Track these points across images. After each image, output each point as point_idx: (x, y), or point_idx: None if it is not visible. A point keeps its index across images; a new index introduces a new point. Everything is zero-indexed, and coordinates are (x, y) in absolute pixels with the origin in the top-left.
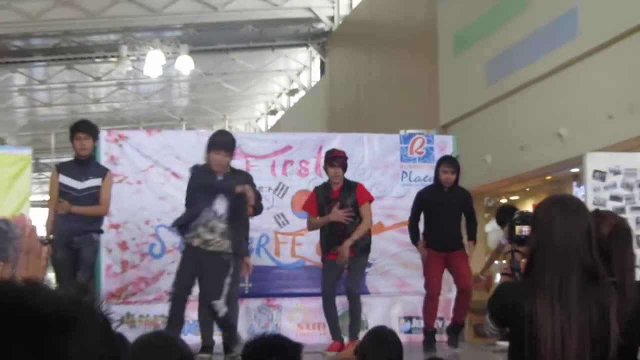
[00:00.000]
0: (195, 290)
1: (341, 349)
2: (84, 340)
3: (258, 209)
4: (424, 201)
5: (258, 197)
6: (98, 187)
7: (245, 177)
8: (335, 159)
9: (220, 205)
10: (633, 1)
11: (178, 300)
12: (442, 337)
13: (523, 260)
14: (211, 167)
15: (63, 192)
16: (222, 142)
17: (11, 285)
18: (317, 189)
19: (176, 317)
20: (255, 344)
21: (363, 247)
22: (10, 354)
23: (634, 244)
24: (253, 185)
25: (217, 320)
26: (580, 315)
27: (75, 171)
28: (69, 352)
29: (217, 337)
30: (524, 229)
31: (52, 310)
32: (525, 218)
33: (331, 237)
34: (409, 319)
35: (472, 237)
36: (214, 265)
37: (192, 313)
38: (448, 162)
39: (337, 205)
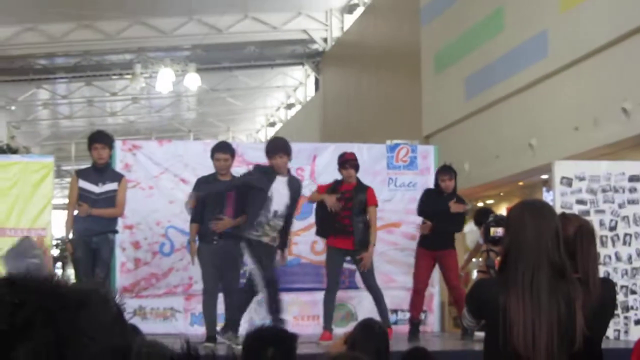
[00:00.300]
0: (197, 285)
1: (330, 339)
2: (97, 318)
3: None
4: (428, 200)
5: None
6: (115, 191)
7: (298, 183)
8: (347, 162)
9: (281, 205)
10: (596, 25)
11: (274, 289)
12: (425, 328)
13: (497, 259)
14: (276, 170)
15: (83, 196)
16: (282, 146)
17: (37, 278)
18: (334, 181)
19: (277, 302)
20: (255, 334)
21: (360, 243)
22: (32, 326)
23: (597, 244)
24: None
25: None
26: (549, 309)
27: (94, 176)
28: (82, 326)
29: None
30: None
31: (71, 292)
32: (499, 221)
33: (327, 224)
34: (394, 311)
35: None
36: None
37: (198, 305)
38: (445, 171)
39: (337, 198)
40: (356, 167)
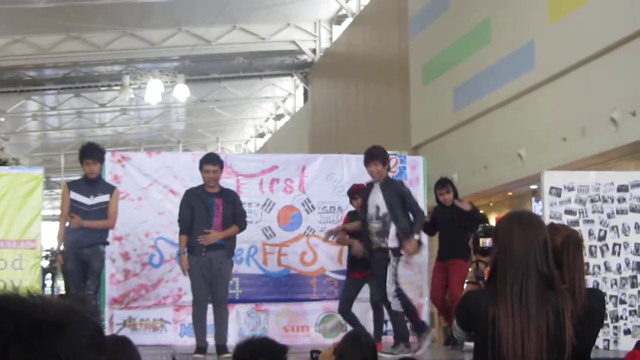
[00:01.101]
0: (187, 296)
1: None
2: (74, 342)
3: (243, 226)
4: (434, 217)
5: (243, 215)
6: (106, 203)
7: (394, 184)
8: (356, 192)
9: (373, 209)
10: (584, 35)
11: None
12: (414, 338)
13: (487, 270)
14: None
15: (75, 208)
16: (377, 153)
17: (14, 294)
18: (349, 213)
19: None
20: (245, 346)
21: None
22: (7, 354)
23: (587, 254)
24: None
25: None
26: (538, 319)
27: (85, 189)
28: (59, 354)
29: (210, 339)
30: (486, 241)
31: (47, 316)
32: (487, 231)
33: (355, 259)
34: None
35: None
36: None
37: (187, 316)
38: (441, 185)
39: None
40: (364, 196)
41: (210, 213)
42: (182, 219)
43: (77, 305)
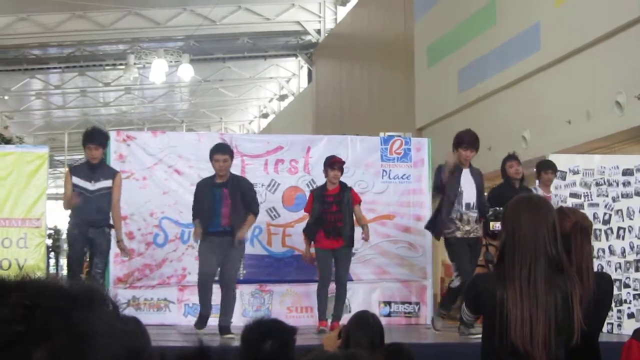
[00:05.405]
0: (191, 276)
1: (326, 325)
2: (105, 316)
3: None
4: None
5: (253, 201)
6: (109, 188)
7: (478, 172)
8: (336, 164)
9: (472, 197)
10: (589, 18)
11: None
12: (418, 320)
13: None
14: (461, 163)
15: (78, 193)
16: (469, 140)
17: (42, 279)
18: (313, 191)
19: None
20: (254, 326)
21: (349, 239)
22: (48, 328)
23: (592, 238)
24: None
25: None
26: (547, 302)
27: (87, 173)
28: (96, 326)
29: (214, 319)
30: (497, 225)
31: (80, 292)
32: (497, 215)
33: (318, 230)
34: (387, 303)
35: None
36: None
37: (191, 296)
38: (511, 158)
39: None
40: (342, 170)
41: (219, 204)
42: (194, 208)
43: (95, 286)
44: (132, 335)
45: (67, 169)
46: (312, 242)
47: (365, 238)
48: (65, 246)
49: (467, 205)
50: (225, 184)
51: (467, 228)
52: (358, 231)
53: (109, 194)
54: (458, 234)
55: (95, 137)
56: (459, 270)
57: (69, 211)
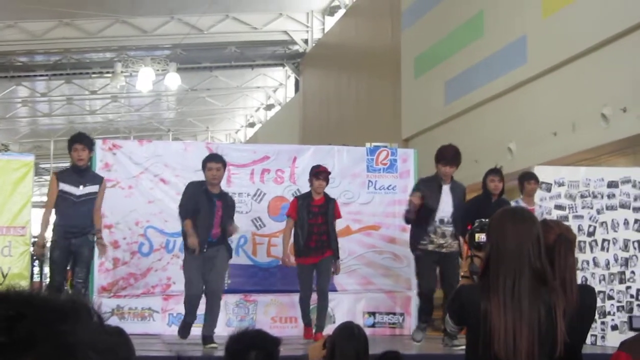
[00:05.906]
0: (175, 286)
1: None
2: (91, 327)
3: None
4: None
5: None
6: (95, 194)
7: (461, 188)
8: (321, 174)
9: (446, 213)
10: (576, 31)
11: (429, 296)
12: (402, 331)
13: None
14: (439, 177)
15: (63, 198)
16: (449, 157)
17: (26, 290)
18: (298, 197)
19: (428, 310)
20: (238, 337)
21: (335, 252)
22: (34, 338)
23: (576, 249)
24: None
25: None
26: (530, 315)
27: (74, 178)
28: (81, 338)
29: (197, 329)
30: (482, 237)
31: (65, 303)
32: (483, 226)
33: (305, 245)
34: (372, 314)
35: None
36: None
37: (176, 306)
38: (494, 172)
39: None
40: (328, 180)
41: (214, 215)
42: (184, 206)
43: (79, 296)
44: (117, 347)
45: (53, 175)
46: (295, 258)
47: (336, 272)
48: (48, 254)
49: (441, 220)
50: (219, 196)
51: (441, 242)
52: (342, 242)
53: (94, 199)
54: (430, 247)
55: (82, 138)
56: (419, 287)
57: (53, 218)
